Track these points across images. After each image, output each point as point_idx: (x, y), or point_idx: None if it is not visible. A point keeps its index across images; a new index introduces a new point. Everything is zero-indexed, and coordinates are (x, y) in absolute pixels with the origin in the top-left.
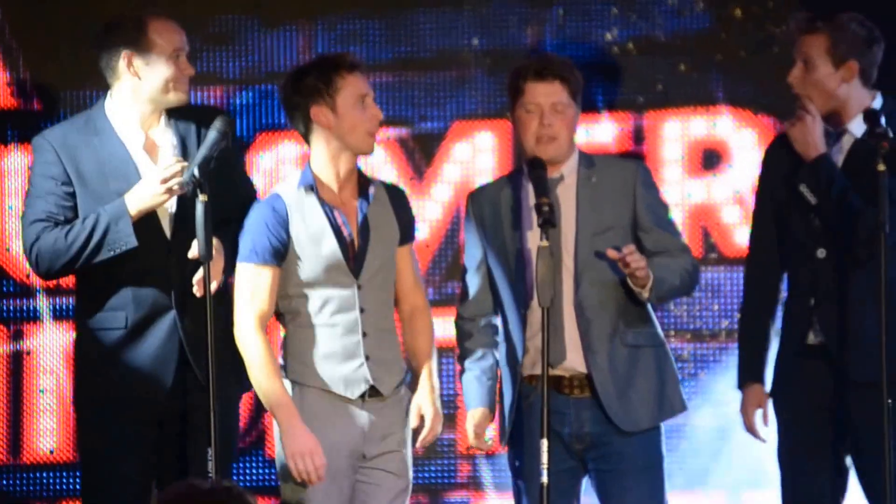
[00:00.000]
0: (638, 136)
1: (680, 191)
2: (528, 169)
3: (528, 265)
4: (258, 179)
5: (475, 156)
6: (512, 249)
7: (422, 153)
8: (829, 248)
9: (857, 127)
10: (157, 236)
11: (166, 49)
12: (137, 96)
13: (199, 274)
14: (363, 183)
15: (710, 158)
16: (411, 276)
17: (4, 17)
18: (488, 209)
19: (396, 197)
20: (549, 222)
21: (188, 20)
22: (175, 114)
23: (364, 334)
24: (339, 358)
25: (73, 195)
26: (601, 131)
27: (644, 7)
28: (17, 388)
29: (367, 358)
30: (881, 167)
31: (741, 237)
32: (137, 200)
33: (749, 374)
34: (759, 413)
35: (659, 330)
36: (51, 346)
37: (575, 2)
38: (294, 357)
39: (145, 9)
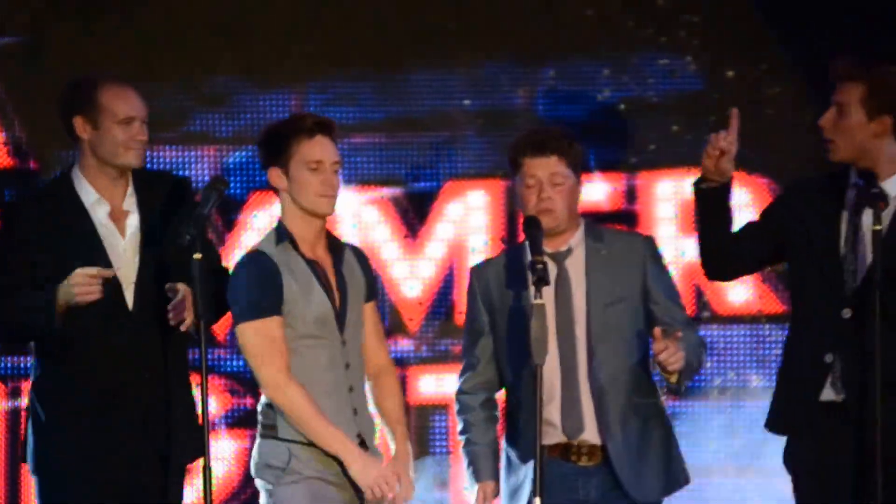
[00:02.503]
0: (630, 195)
1: (673, 249)
2: (524, 228)
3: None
4: (252, 238)
5: (468, 214)
6: (519, 317)
7: (415, 212)
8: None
9: (892, 186)
10: (121, 311)
11: (116, 115)
12: (95, 161)
13: (172, 303)
14: (333, 241)
15: None
16: (376, 334)
17: (0, 76)
18: (494, 282)
19: (361, 257)
20: (542, 280)
21: (181, 81)
22: (140, 181)
23: (350, 389)
24: (331, 413)
25: (33, 264)
26: (594, 191)
27: (636, 68)
28: (14, 444)
29: (354, 412)
30: (877, 227)
31: (734, 295)
32: (65, 294)
33: None
34: None
35: (662, 401)
36: None
37: (567, 63)
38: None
39: (92, 76)
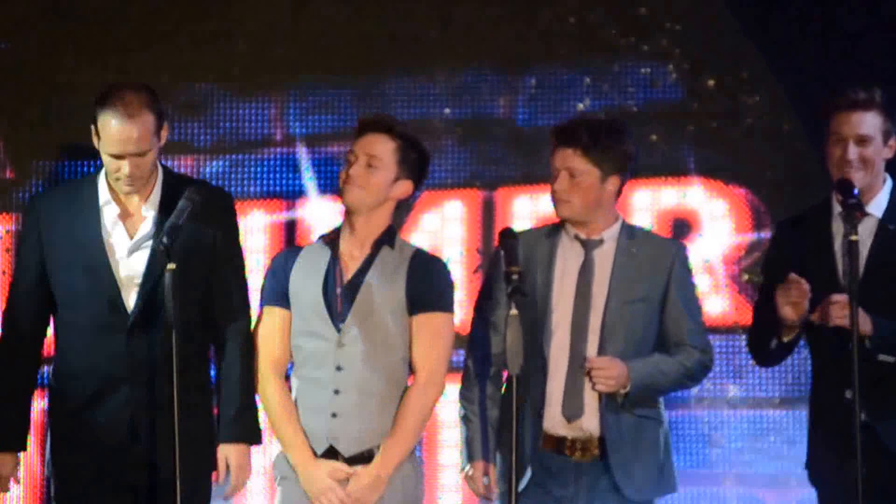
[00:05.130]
0: None
1: None
2: (499, 238)
3: (552, 326)
4: None
5: (444, 225)
6: (532, 300)
7: None
8: None
9: (876, 208)
10: (117, 312)
11: (104, 147)
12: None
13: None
14: (383, 242)
15: (680, 228)
16: (419, 349)
17: None
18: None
19: (421, 266)
20: (518, 291)
21: (160, 88)
22: (171, 187)
23: (336, 391)
24: (310, 412)
25: (42, 261)
26: None
27: (617, 77)
28: None
29: (333, 415)
30: (854, 237)
31: (711, 307)
32: None
33: None
34: None
35: (663, 407)
36: None
37: (547, 72)
38: None
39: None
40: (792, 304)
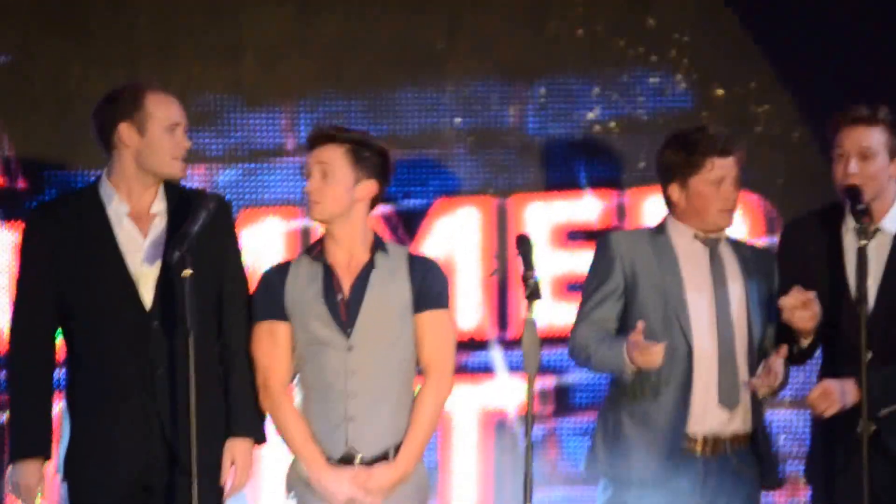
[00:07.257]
0: (620, 212)
1: None
2: (516, 245)
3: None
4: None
5: (458, 231)
6: (659, 295)
7: (405, 229)
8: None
9: (890, 223)
10: (136, 309)
11: (162, 122)
12: (133, 169)
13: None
14: (376, 247)
15: None
16: (428, 347)
17: None
18: (636, 252)
19: (419, 266)
20: (534, 295)
21: None
22: (173, 193)
23: (350, 396)
24: (323, 418)
25: (52, 278)
26: (584, 208)
27: (626, 86)
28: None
29: (350, 419)
30: (862, 242)
31: None
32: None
33: None
34: None
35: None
36: None
37: (557, 81)
38: None
39: (137, 83)
40: (805, 318)
